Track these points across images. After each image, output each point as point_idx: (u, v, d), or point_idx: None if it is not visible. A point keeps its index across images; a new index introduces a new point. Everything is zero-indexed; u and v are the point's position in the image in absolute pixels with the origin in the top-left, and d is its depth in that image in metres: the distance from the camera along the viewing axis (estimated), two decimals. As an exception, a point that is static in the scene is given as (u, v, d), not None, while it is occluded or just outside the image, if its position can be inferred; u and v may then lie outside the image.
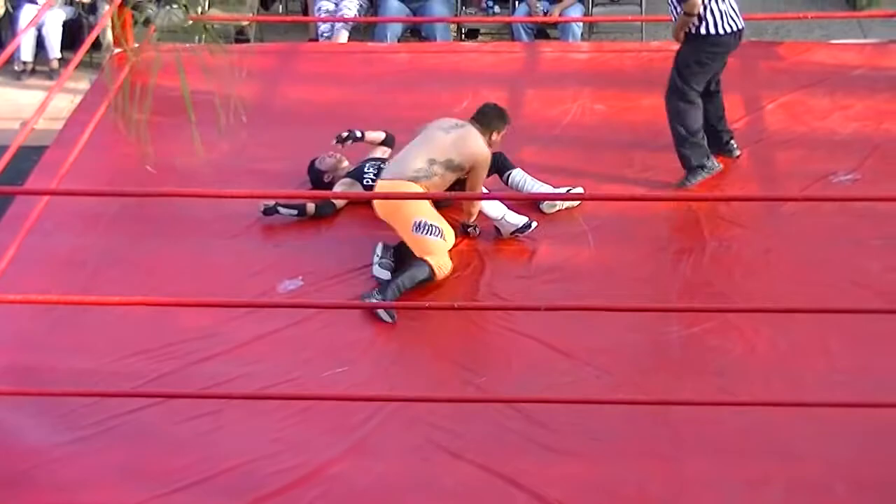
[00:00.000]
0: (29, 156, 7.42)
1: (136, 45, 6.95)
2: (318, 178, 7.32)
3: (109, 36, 10.58)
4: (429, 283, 6.51)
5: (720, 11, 7.23)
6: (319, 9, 11.54)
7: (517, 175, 7.15)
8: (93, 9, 12.02)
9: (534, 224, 6.92)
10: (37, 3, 11.78)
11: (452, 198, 7.15)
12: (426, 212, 6.63)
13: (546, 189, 7.16)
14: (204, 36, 5.63)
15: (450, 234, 6.67)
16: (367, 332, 6.28)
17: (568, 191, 7.14)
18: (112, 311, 6.27)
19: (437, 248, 6.58)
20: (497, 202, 6.97)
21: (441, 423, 5.71)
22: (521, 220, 6.91)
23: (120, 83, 6.65)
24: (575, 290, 6.55)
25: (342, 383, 5.96)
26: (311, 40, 11.41)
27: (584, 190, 7.16)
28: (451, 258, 6.65)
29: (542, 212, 7.12)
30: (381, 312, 6.35)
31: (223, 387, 5.90)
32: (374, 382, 6.00)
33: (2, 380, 5.94)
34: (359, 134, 7.37)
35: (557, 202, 7.12)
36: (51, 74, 11.77)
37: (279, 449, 5.61)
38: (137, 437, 5.69)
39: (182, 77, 5.11)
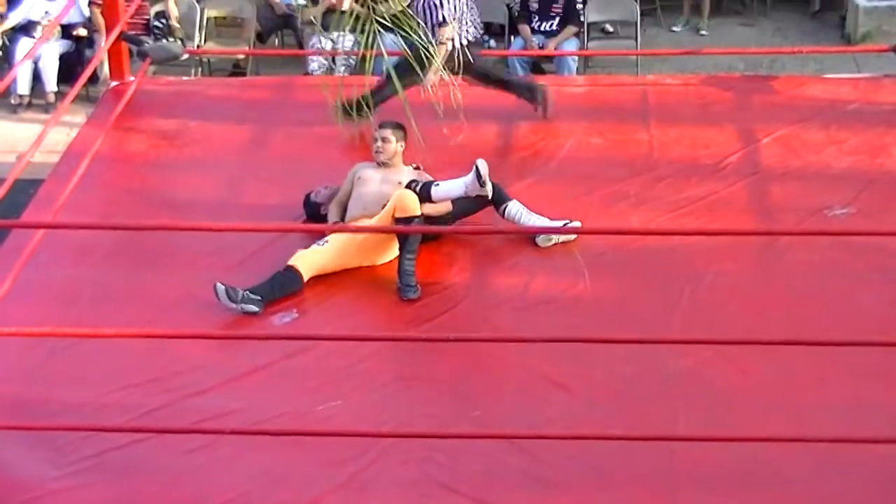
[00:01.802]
0: (25, 189, 7.42)
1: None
2: (315, 211, 7.33)
3: (106, 69, 10.60)
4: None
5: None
6: (314, 45, 11.60)
7: (513, 207, 7.16)
8: (90, 42, 12.06)
9: (482, 166, 6.97)
10: (33, 37, 11.82)
11: (448, 232, 7.17)
12: None
13: (543, 222, 7.17)
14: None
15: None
16: (362, 364, 6.26)
17: (565, 224, 7.14)
18: (106, 343, 6.26)
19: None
20: (453, 184, 7.05)
21: (436, 457, 5.69)
22: (473, 177, 7.00)
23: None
24: (570, 322, 6.54)
25: (337, 417, 5.94)
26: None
27: (581, 224, 7.15)
28: (441, 288, 6.78)
29: (537, 245, 7.13)
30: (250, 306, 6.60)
31: (217, 420, 5.88)
32: (369, 415, 5.98)
33: (-5, 413, 5.94)
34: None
35: (553, 236, 7.13)
36: (47, 108, 11.81)
37: (273, 482, 5.59)
38: (131, 470, 5.67)
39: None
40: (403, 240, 6.83)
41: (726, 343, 6.12)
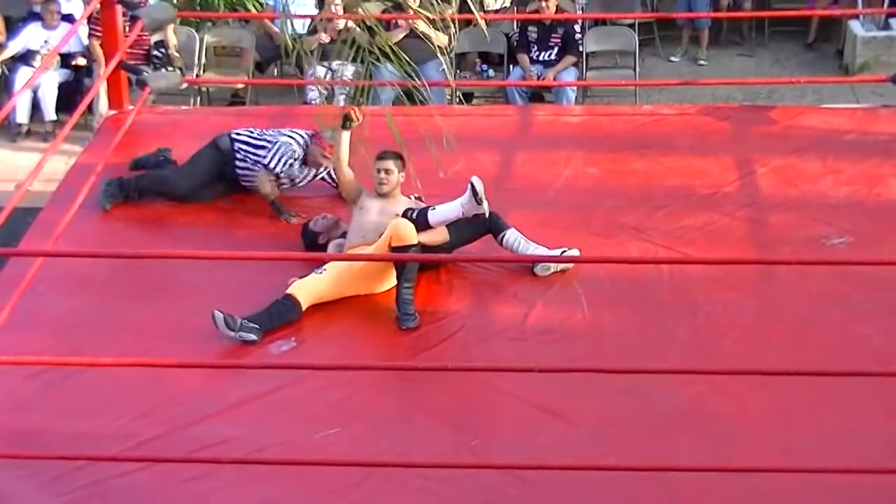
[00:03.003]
0: (24, 218, 7.43)
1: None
2: (313, 241, 7.34)
3: (102, 102, 10.63)
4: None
5: None
6: (313, 75, 11.61)
7: (511, 236, 7.17)
8: (89, 71, 12.09)
9: (476, 183, 6.96)
10: (32, 66, 11.84)
11: (446, 260, 7.17)
12: None
13: (541, 251, 7.17)
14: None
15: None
16: (360, 393, 6.26)
17: (562, 253, 7.15)
18: (104, 372, 6.25)
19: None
20: (449, 206, 7.06)
21: (434, 487, 5.69)
22: (469, 195, 6.99)
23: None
24: (568, 352, 6.54)
25: (335, 445, 5.94)
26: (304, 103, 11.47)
27: (579, 252, 7.16)
28: (440, 318, 6.82)
29: (535, 274, 7.13)
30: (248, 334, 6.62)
31: (215, 449, 5.87)
32: (367, 444, 5.97)
33: (-7, 442, 5.93)
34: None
35: (551, 265, 7.13)
36: (46, 136, 11.82)
37: (271, 512, 5.59)
38: (129, 499, 5.66)
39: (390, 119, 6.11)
40: (401, 269, 6.83)
41: (723, 373, 6.13)
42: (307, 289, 6.83)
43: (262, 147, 7.81)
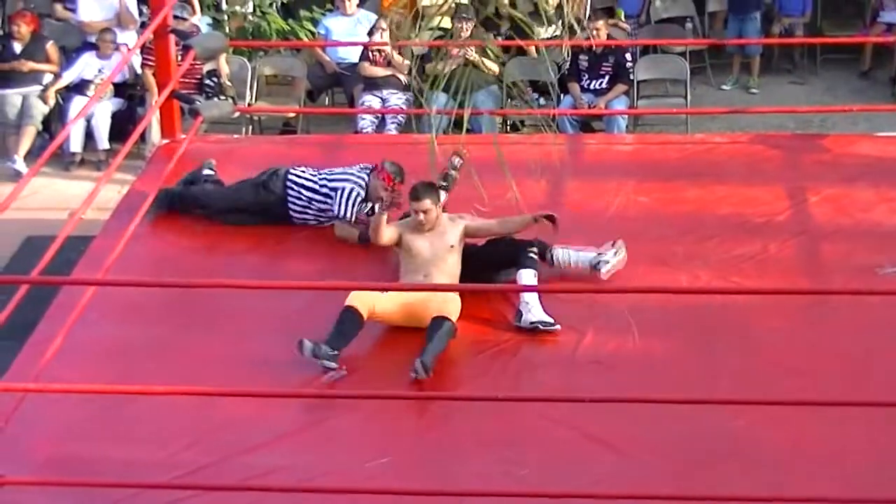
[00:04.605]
0: (77, 246, 7.49)
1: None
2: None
3: (154, 132, 10.70)
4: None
5: None
6: (364, 102, 11.66)
7: (559, 251, 7.24)
8: (142, 101, 12.18)
9: (557, 326, 6.94)
10: (86, 95, 11.93)
11: (498, 290, 7.16)
12: None
13: (591, 254, 7.27)
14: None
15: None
16: (409, 422, 6.26)
17: (614, 244, 7.33)
18: (155, 401, 6.28)
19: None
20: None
21: (483, 516, 5.68)
22: (543, 314, 6.95)
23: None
24: (619, 381, 6.51)
25: (384, 475, 5.93)
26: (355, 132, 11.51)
27: (624, 242, 7.25)
28: (489, 346, 6.84)
29: (600, 277, 7.21)
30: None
31: (265, 478, 5.88)
32: (417, 473, 5.97)
33: (44, 470, 5.95)
34: None
35: (610, 262, 7.24)
36: (99, 165, 11.89)
37: (321, 541, 5.59)
38: (178, 528, 5.68)
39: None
40: (432, 335, 6.76)
41: (776, 403, 6.07)
42: (364, 298, 6.79)
43: (327, 196, 7.81)
